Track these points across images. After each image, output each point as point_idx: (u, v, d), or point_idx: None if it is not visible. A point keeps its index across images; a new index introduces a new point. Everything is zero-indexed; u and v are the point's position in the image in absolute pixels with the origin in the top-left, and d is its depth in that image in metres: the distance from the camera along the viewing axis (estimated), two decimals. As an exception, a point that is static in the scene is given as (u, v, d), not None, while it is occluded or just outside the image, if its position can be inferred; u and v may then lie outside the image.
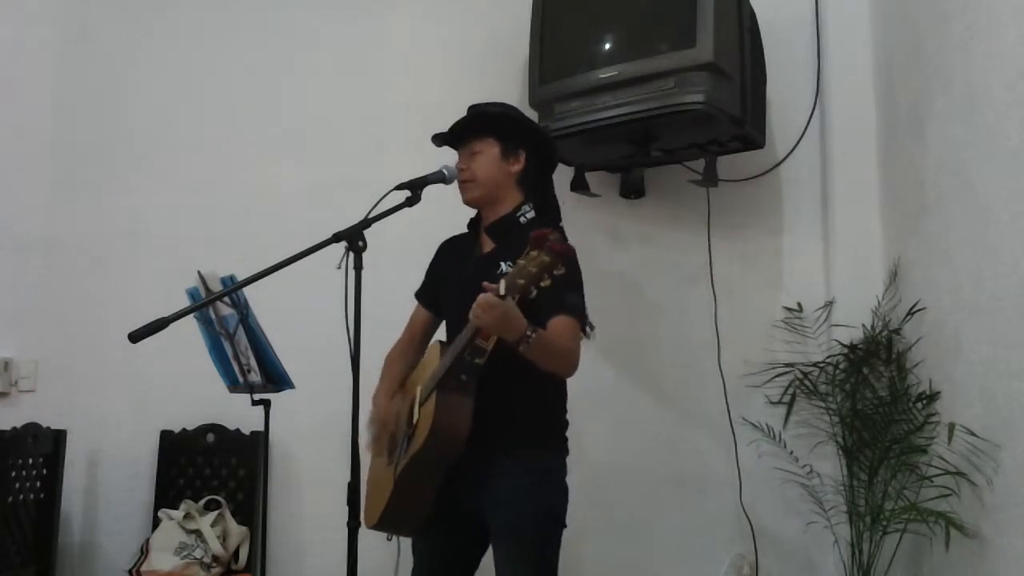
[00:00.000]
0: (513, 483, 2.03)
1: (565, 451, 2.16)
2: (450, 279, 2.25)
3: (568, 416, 2.19)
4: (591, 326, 2.12)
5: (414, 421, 2.07)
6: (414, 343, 2.32)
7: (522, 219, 2.16)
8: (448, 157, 2.22)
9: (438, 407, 1.94)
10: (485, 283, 1.78)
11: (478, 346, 1.90)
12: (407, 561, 2.24)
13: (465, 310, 1.83)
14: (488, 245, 2.20)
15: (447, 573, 2.17)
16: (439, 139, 2.24)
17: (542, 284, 1.69)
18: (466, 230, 2.29)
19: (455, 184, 2.16)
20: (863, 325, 2.78)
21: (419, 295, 2.37)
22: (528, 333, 1.82)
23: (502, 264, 2.04)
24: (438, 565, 2.16)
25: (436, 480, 2.03)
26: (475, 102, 2.27)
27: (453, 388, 1.96)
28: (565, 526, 2.08)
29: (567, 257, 1.71)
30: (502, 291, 1.73)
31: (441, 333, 2.29)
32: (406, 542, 2.25)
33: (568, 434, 2.17)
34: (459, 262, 2.25)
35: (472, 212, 2.27)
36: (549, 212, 2.23)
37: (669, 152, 2.95)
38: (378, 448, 2.19)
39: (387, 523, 2.14)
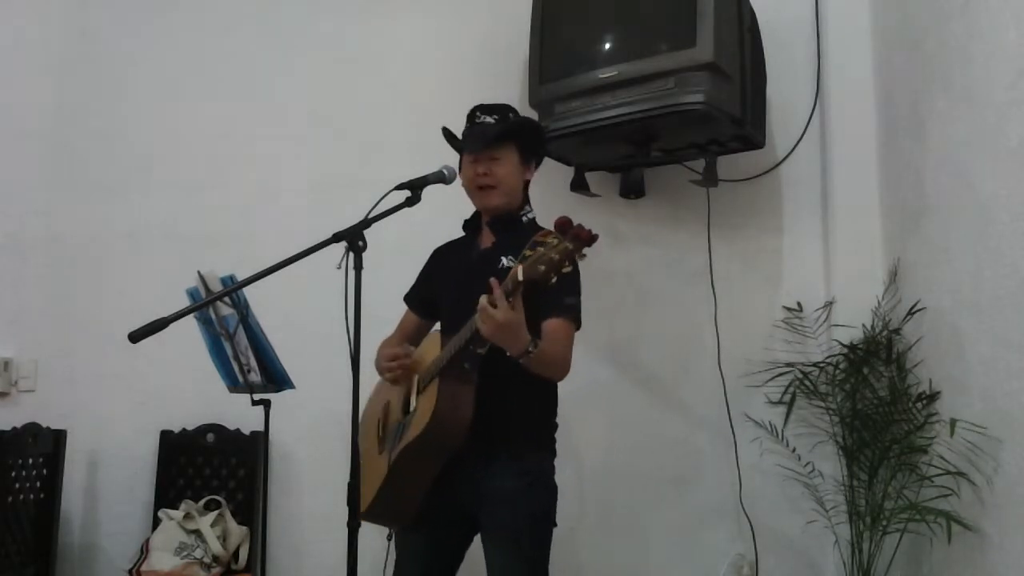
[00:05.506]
0: (509, 483, 2.04)
1: (554, 453, 2.18)
2: (448, 278, 2.25)
3: (559, 418, 2.20)
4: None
5: (411, 409, 2.06)
6: (406, 342, 2.31)
7: (524, 218, 2.20)
8: (448, 157, 2.22)
9: (441, 394, 1.94)
10: (492, 279, 1.76)
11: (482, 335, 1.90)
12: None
13: (466, 303, 1.82)
14: (488, 240, 2.21)
15: (435, 568, 2.17)
16: (452, 139, 2.24)
17: (563, 271, 1.64)
18: (459, 235, 2.30)
19: (455, 184, 2.15)
20: (863, 325, 2.77)
21: (409, 300, 2.37)
22: (529, 349, 1.81)
23: (503, 259, 2.04)
24: (427, 559, 2.16)
25: (431, 471, 2.02)
26: (475, 102, 2.26)
27: (456, 376, 1.96)
28: (556, 525, 2.10)
29: (587, 246, 1.64)
30: (520, 276, 1.67)
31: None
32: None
33: (568, 434, 2.18)
34: (458, 261, 2.26)
35: (469, 211, 2.28)
36: None
37: (669, 152, 2.95)
38: (393, 378, 2.18)
39: (376, 512, 2.12)
